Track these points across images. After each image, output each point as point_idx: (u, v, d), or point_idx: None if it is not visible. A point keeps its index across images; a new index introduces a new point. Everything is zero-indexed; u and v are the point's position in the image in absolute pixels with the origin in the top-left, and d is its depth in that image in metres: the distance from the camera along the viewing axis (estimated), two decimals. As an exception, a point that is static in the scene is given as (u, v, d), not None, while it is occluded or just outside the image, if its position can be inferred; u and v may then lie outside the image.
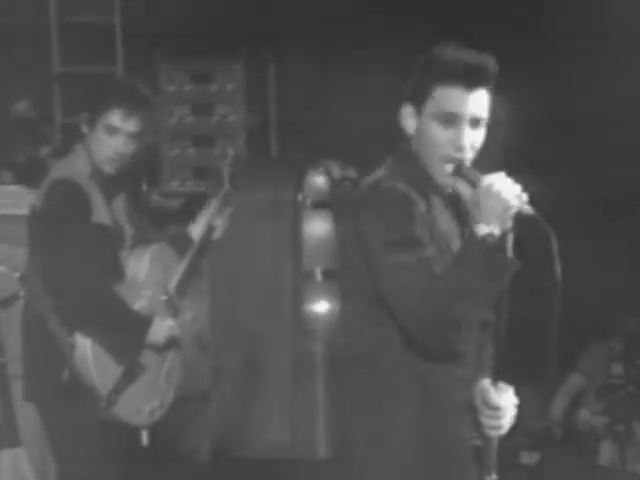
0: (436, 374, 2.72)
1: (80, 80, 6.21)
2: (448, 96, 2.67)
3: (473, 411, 2.80)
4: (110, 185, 3.84)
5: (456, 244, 2.71)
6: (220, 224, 4.08)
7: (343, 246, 2.79)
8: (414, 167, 2.74)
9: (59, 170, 3.85)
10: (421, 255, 2.58)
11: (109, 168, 3.79)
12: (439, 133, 2.69)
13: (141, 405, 3.81)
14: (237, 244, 5.77)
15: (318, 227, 5.93)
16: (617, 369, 5.85)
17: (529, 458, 5.82)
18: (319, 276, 5.91)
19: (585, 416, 5.76)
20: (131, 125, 3.76)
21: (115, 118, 3.75)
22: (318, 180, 5.91)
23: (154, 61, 6.58)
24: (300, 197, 5.91)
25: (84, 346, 3.67)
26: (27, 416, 3.89)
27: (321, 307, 5.90)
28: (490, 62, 2.68)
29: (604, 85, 5.74)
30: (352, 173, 5.86)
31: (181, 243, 4.04)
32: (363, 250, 2.66)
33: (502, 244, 2.57)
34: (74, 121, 4.13)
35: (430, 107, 2.69)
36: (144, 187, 6.11)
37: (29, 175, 5.22)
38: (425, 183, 2.73)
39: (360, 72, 5.92)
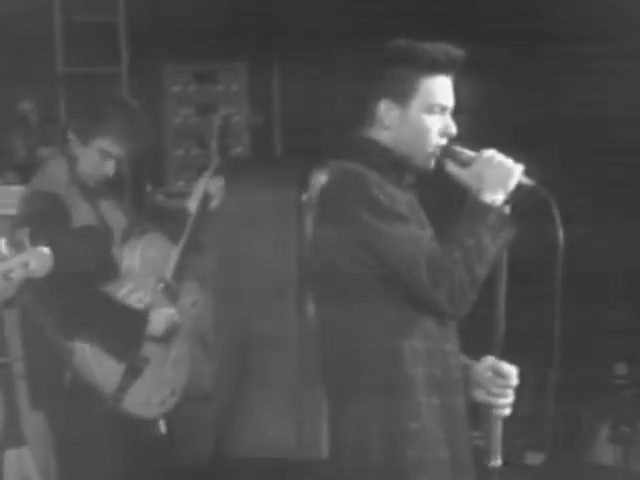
0: (433, 360, 2.78)
1: (84, 81, 6.22)
2: (435, 88, 2.81)
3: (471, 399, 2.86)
4: (93, 187, 3.87)
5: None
6: (217, 193, 4.08)
7: (331, 247, 2.78)
8: (384, 157, 2.83)
9: (36, 181, 3.92)
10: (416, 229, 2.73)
11: (91, 182, 3.85)
12: (430, 123, 2.81)
13: (150, 396, 3.83)
14: (241, 244, 5.78)
15: (322, 227, 5.92)
16: (621, 369, 5.85)
17: (534, 458, 5.82)
18: (323, 276, 5.91)
19: (587, 415, 5.74)
20: (124, 152, 3.83)
21: (112, 145, 3.82)
22: (323, 180, 5.89)
23: (158, 61, 6.59)
24: (305, 197, 5.90)
25: (83, 351, 3.68)
26: (32, 416, 3.89)
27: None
28: (461, 51, 2.82)
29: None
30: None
31: (179, 220, 4.04)
32: (361, 240, 2.71)
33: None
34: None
35: (418, 100, 2.81)
36: (149, 187, 6.12)
37: (33, 175, 5.23)
38: (396, 171, 2.83)
39: (365, 72, 5.91)
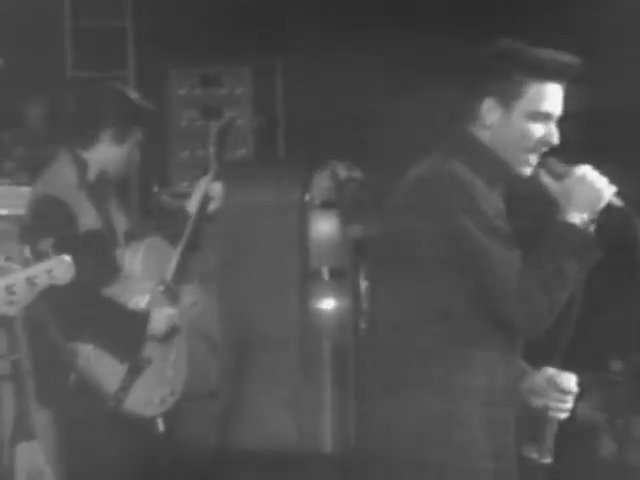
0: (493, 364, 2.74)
1: (92, 84, 6.29)
2: (542, 94, 2.72)
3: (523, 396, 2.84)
4: (99, 186, 3.95)
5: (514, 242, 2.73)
6: (217, 194, 4.11)
7: (417, 241, 2.69)
8: (483, 156, 2.76)
9: (41, 183, 3.94)
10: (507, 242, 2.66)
11: (117, 177, 3.96)
12: (532, 129, 2.72)
13: (151, 396, 3.87)
14: (244, 244, 5.84)
15: (325, 226, 5.98)
16: (616, 366, 5.89)
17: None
18: (326, 275, 5.96)
19: (583, 410, 5.80)
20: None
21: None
22: (325, 181, 5.96)
23: (164, 65, 6.67)
24: (307, 197, 5.96)
25: (85, 352, 3.76)
26: (38, 412, 3.95)
27: (328, 305, 5.96)
28: (575, 59, 2.74)
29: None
30: (358, 174, 5.92)
31: (179, 220, 4.07)
32: (457, 245, 2.65)
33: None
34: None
35: (523, 104, 2.72)
36: (155, 188, 6.19)
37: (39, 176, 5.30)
38: (493, 173, 2.76)
39: (367, 73, 5.99)
